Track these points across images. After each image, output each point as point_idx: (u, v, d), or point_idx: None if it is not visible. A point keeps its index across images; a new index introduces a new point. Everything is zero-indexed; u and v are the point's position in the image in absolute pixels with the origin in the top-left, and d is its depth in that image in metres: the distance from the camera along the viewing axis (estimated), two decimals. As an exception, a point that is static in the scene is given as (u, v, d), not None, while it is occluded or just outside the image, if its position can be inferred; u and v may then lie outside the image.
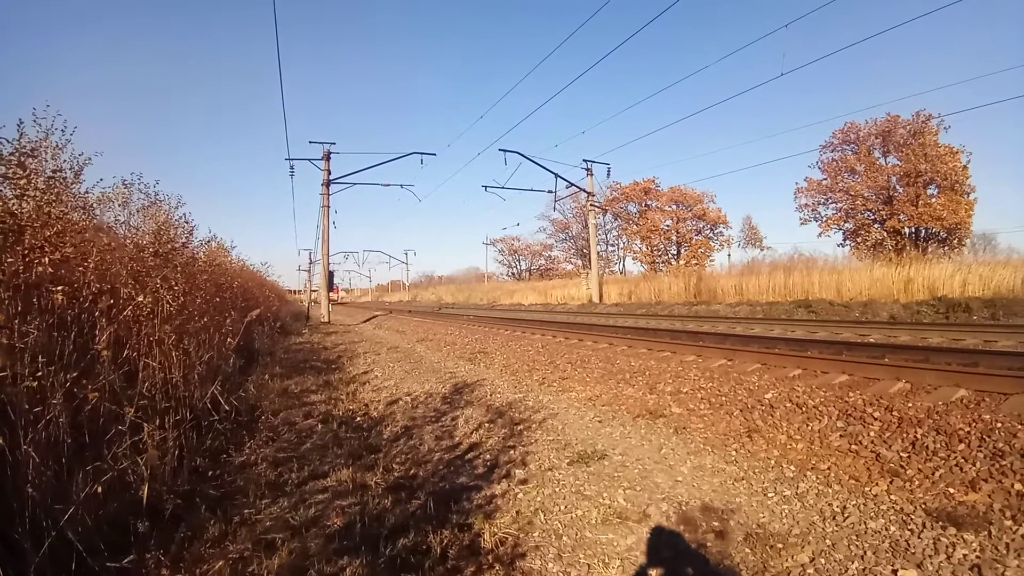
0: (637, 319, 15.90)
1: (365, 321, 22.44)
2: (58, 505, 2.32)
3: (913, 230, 32.20)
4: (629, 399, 5.43)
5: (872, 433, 3.67)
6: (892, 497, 2.88)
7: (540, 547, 2.63)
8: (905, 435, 3.53)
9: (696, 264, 40.51)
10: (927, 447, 3.32)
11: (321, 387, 7.00)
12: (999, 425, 3.36)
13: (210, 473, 3.74)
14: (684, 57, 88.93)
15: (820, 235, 36.79)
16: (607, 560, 2.49)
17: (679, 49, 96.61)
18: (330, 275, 23.69)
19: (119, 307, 3.75)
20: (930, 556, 2.30)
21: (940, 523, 2.54)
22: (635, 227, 46.55)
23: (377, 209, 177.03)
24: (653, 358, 7.10)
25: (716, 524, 2.76)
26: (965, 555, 2.28)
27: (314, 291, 36.05)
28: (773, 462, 3.55)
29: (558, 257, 59.97)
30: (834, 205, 35.83)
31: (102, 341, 3.22)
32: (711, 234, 45.84)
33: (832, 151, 35.80)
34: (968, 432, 3.37)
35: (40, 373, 2.58)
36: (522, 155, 22.68)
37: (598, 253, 28.45)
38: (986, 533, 2.42)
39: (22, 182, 3.27)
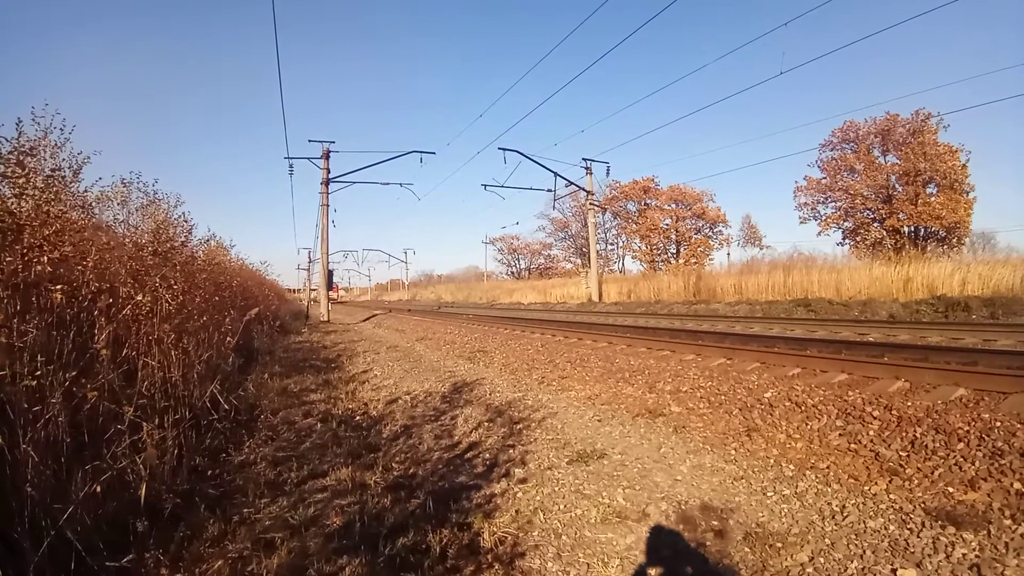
0: (636, 318, 15.91)
1: (364, 320, 22.44)
2: (57, 504, 2.32)
3: (912, 229, 32.22)
4: (628, 398, 5.43)
5: (871, 432, 3.67)
6: (891, 496, 2.88)
7: (539, 546, 2.63)
8: (904, 434, 3.53)
9: (695, 263, 40.50)
10: (926, 446, 3.32)
11: (320, 386, 7.00)
12: (998, 424, 3.36)
13: (209, 472, 3.74)
14: (683, 56, 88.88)
15: (819, 234, 36.88)
16: (606, 559, 2.50)
17: (678, 48, 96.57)
18: (329, 274, 23.69)
19: (118, 306, 3.74)
20: (929, 555, 2.30)
21: (939, 522, 2.54)
22: (634, 226, 46.55)
23: (376, 208, 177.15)
24: (652, 357, 7.10)
25: (715, 523, 2.77)
26: (964, 554, 2.28)
27: (313, 290, 36.04)
28: (772, 461, 3.55)
29: (557, 256, 60.07)
30: (833, 204, 35.87)
31: (101, 340, 3.22)
32: (710, 233, 45.89)
33: (831, 150, 35.85)
34: (967, 431, 3.37)
35: (39, 372, 2.58)
36: (521, 154, 22.70)
37: (597, 252, 28.45)
38: (985, 532, 2.42)
39: (21, 181, 3.26)
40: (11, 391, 2.43)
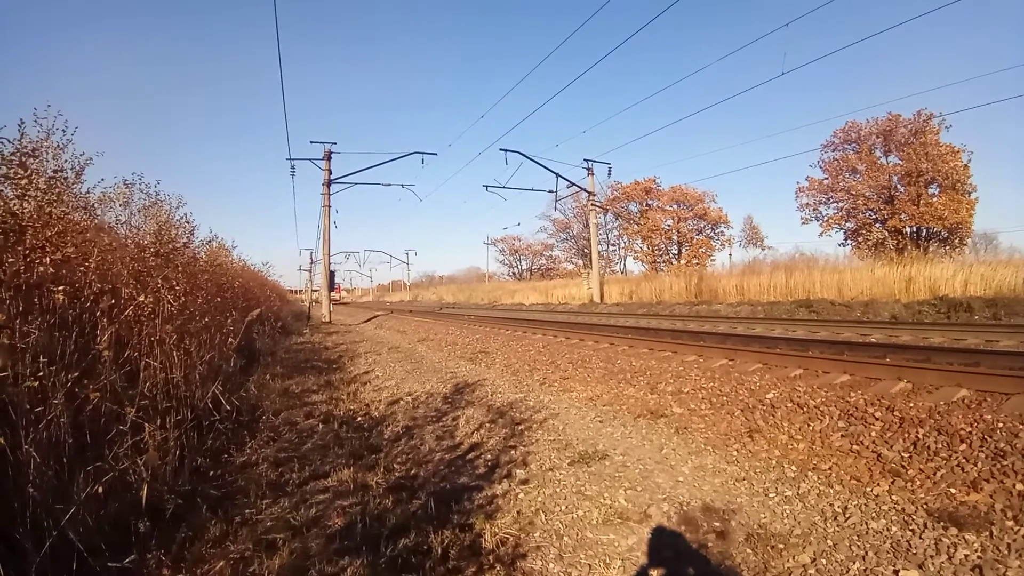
0: (638, 319, 15.89)
1: (366, 321, 22.45)
2: (59, 505, 2.33)
3: (914, 229, 32.15)
4: (630, 399, 5.42)
5: (874, 433, 3.66)
6: (893, 497, 2.88)
7: (541, 547, 2.63)
8: (907, 435, 3.52)
9: (697, 264, 40.53)
10: (929, 447, 3.31)
11: (322, 387, 7.00)
12: (1001, 425, 3.35)
13: (211, 473, 3.74)
14: (685, 56, 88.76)
15: (821, 235, 36.80)
16: (608, 560, 2.49)
17: (680, 48, 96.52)
18: (331, 275, 23.72)
19: (120, 307, 3.75)
20: (931, 556, 2.30)
21: (942, 523, 2.54)
22: (636, 227, 46.52)
23: (378, 209, 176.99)
24: (654, 358, 7.10)
25: (717, 524, 2.76)
26: (967, 555, 2.28)
27: (315, 291, 36.07)
28: (774, 462, 3.55)
29: (559, 257, 60.03)
30: (835, 204, 35.80)
31: (103, 341, 3.23)
32: (712, 234, 45.84)
33: (833, 150, 35.77)
34: (970, 432, 3.36)
35: (41, 373, 2.58)
36: (523, 155, 22.70)
37: (599, 253, 28.45)
38: (988, 533, 2.41)
39: (23, 182, 3.27)
40: (13, 392, 2.43)
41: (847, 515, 2.75)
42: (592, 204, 26.49)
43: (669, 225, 45.09)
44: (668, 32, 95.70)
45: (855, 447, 3.55)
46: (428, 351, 10.53)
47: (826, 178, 36.03)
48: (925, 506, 2.73)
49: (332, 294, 25.46)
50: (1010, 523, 2.46)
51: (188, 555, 2.58)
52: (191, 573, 2.43)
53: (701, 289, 21.71)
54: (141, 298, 3.87)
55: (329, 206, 21.65)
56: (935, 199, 30.83)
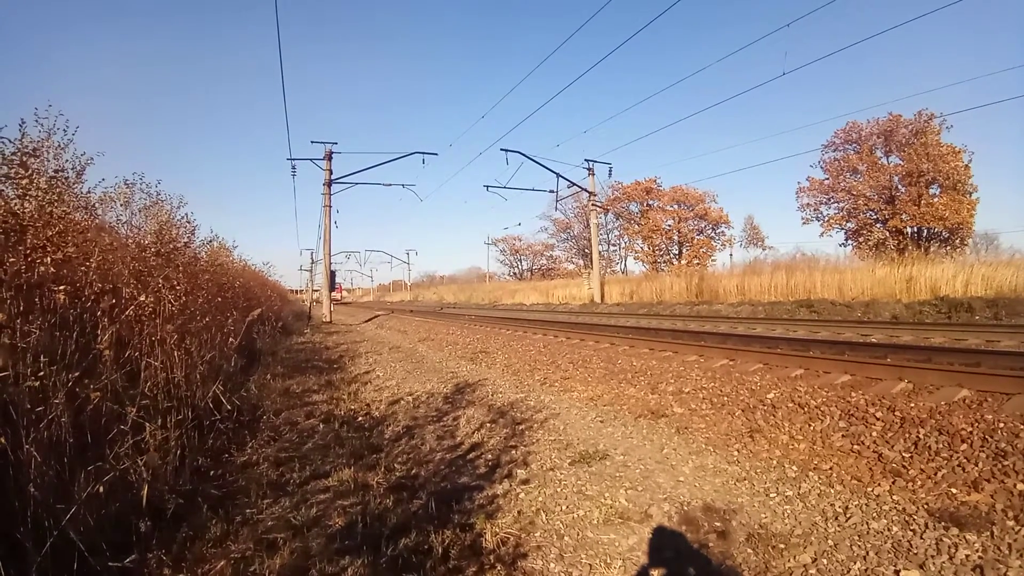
0: (639, 319, 15.89)
1: (367, 321, 22.46)
2: (60, 505, 2.33)
3: (915, 230, 32.11)
4: (631, 399, 5.42)
5: (874, 433, 3.66)
6: (894, 497, 2.88)
7: (542, 547, 2.63)
8: (907, 435, 3.52)
9: (698, 264, 40.50)
10: (929, 447, 3.31)
11: (323, 387, 7.01)
12: (1001, 425, 3.35)
13: (212, 473, 3.74)
14: (686, 56, 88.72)
15: (822, 235, 36.74)
16: (609, 560, 2.49)
17: (680, 48, 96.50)
18: (332, 275, 23.72)
19: (121, 307, 3.75)
20: (932, 557, 2.30)
21: (942, 523, 2.54)
22: (637, 227, 46.50)
23: (379, 209, 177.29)
24: (655, 358, 7.09)
25: (718, 524, 2.76)
26: (967, 555, 2.27)
27: (316, 291, 36.08)
28: (775, 462, 3.55)
29: (560, 257, 60.00)
30: (836, 205, 35.75)
31: (104, 341, 3.23)
32: (713, 234, 45.79)
33: (834, 150, 35.72)
34: (970, 432, 3.36)
35: (42, 373, 2.58)
36: (524, 155, 22.70)
37: (600, 253, 28.45)
38: (988, 533, 2.41)
39: (24, 182, 3.27)
40: (14, 392, 2.43)
41: (848, 515, 2.75)
42: (593, 204, 26.48)
43: (670, 225, 45.06)
44: (669, 32, 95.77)
45: (856, 447, 3.55)
46: (429, 351, 10.53)
47: (827, 178, 36.00)
48: (926, 506, 2.73)
49: (333, 294, 25.46)
50: (1011, 523, 2.46)
51: (189, 555, 2.59)
52: (192, 573, 2.43)
53: (702, 289, 21.69)
54: (142, 298, 3.87)
55: (330, 206, 21.66)
56: (936, 199, 30.79)
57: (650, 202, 46.61)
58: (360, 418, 5.31)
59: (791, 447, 3.76)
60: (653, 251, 45.78)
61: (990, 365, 4.94)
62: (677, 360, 6.79)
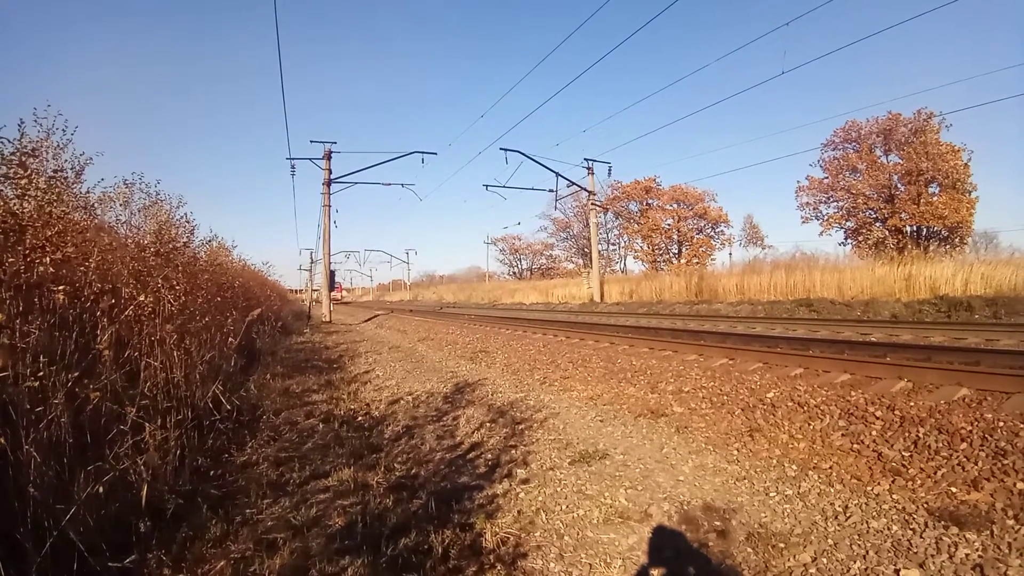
0: (638, 318, 15.89)
1: (366, 320, 22.45)
2: (60, 505, 2.32)
3: (915, 229, 32.14)
4: (631, 398, 5.42)
5: (874, 432, 3.66)
6: (894, 496, 2.88)
7: (542, 547, 2.63)
8: (907, 434, 3.52)
9: (697, 263, 40.49)
10: (929, 446, 3.31)
11: (323, 387, 7.01)
12: (1001, 424, 3.35)
13: (212, 473, 3.74)
14: (685, 56, 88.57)
15: (821, 234, 36.77)
16: (609, 560, 2.49)
17: (680, 47, 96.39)
18: (331, 274, 23.70)
19: (120, 307, 3.75)
20: (932, 556, 2.30)
21: (942, 522, 2.54)
22: (636, 226, 46.49)
23: (378, 208, 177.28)
24: (655, 357, 7.09)
25: (718, 523, 2.76)
26: (967, 554, 2.27)
27: (315, 290, 36.06)
28: (775, 461, 3.55)
29: (559, 256, 60.00)
30: (835, 204, 35.77)
31: (103, 341, 3.22)
32: (712, 233, 45.79)
33: (833, 149, 35.75)
34: (970, 431, 3.36)
35: (42, 373, 2.58)
36: (523, 154, 22.68)
37: (599, 252, 28.45)
38: (988, 532, 2.41)
39: (23, 182, 3.26)
40: (14, 392, 2.43)
41: (848, 514, 2.75)
42: (592, 203, 26.47)
43: (669, 224, 45.06)
44: (668, 32, 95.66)
45: (856, 446, 3.55)
46: (428, 350, 10.53)
47: (826, 177, 36.02)
48: (926, 505, 2.74)
49: (333, 293, 25.45)
50: (1011, 522, 2.46)
51: (189, 555, 2.58)
52: (192, 573, 2.43)
53: (701, 288, 21.70)
54: (141, 298, 3.87)
55: (329, 205, 21.64)
56: (935, 198, 30.81)
57: (649, 201, 46.62)
58: (360, 418, 5.31)
59: (791, 446, 3.76)
60: (652, 250, 45.79)
61: (990, 364, 4.94)
62: (677, 359, 6.79)
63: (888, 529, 2.56)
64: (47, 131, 3.55)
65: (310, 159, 21.85)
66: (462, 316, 20.03)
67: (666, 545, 2.60)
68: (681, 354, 7.09)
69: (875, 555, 2.36)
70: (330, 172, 21.60)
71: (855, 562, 2.32)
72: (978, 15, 50.85)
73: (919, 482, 2.98)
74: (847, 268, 17.76)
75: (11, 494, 2.23)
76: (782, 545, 2.52)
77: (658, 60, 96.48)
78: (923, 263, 15.38)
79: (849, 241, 34.90)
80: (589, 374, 6.67)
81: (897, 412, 3.85)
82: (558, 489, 3.29)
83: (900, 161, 32.24)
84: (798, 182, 37.55)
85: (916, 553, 2.33)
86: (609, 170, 25.86)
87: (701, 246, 44.55)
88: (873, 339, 8.06)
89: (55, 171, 3.67)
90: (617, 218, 48.74)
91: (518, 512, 3.00)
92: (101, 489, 2.48)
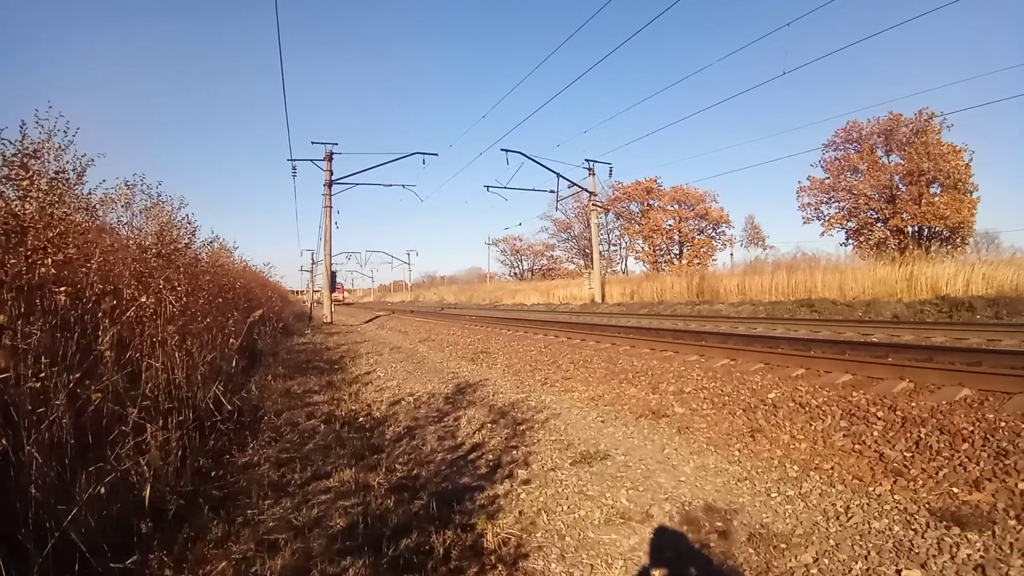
0: (640, 319, 15.89)
1: (367, 321, 22.46)
2: (61, 506, 2.33)
3: (916, 229, 32.09)
4: (632, 399, 5.42)
5: (876, 433, 3.65)
6: (896, 497, 2.87)
7: (543, 547, 2.62)
8: (909, 435, 3.51)
9: (699, 264, 40.49)
10: (931, 447, 3.31)
11: (324, 387, 7.01)
12: (1003, 424, 3.35)
13: (213, 474, 3.75)
14: (686, 56, 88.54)
15: (823, 234, 36.73)
16: (610, 560, 2.49)
17: (681, 48, 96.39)
18: (332, 275, 23.73)
19: (122, 308, 3.75)
20: (934, 556, 2.29)
21: (944, 523, 2.53)
22: (637, 227, 46.48)
23: (379, 209, 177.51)
24: (656, 358, 7.09)
25: (719, 524, 2.76)
26: (969, 555, 2.27)
27: (316, 291, 36.06)
28: (776, 462, 3.54)
29: (560, 257, 59.99)
30: (837, 204, 35.73)
31: (105, 342, 3.23)
32: (713, 233, 45.77)
33: (835, 150, 35.71)
34: (972, 431, 3.35)
35: (43, 374, 2.58)
36: (524, 155, 22.73)
37: (600, 253, 28.45)
38: (990, 533, 2.41)
39: (25, 183, 3.27)
40: (15, 393, 2.44)
41: (849, 515, 2.75)
42: (593, 204, 26.49)
43: (670, 225, 45.04)
44: (669, 32, 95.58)
45: (857, 447, 3.55)
46: (430, 351, 10.53)
47: (827, 177, 35.98)
48: (927, 505, 2.73)
49: (335, 294, 25.47)
50: (1012, 522, 2.46)
51: (190, 556, 2.59)
52: (193, 574, 2.44)
53: (703, 289, 21.70)
54: (143, 299, 3.87)
55: (330, 207, 21.67)
56: (937, 198, 30.77)
57: (650, 202, 46.60)
58: (361, 419, 5.31)
59: (792, 447, 3.75)
60: (654, 251, 45.77)
61: (991, 364, 4.93)
62: (678, 360, 6.79)
63: (890, 529, 2.56)
64: (49, 132, 3.56)
65: (311, 160, 21.93)
66: (463, 317, 20.03)
67: (667, 546, 2.60)
68: (682, 355, 7.08)
69: (877, 555, 2.35)
70: (331, 173, 21.63)
71: (857, 563, 2.32)
72: (978, 15, 50.83)
73: (921, 482, 2.97)
74: (848, 268, 17.77)
75: (13, 495, 2.23)
76: (784, 546, 2.52)
77: (659, 61, 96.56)
78: (924, 263, 15.37)
79: (850, 241, 34.90)
80: (590, 375, 6.67)
81: (899, 412, 3.85)
82: (559, 490, 3.29)
83: (901, 161, 32.21)
84: (799, 182, 37.56)
85: (918, 553, 2.33)
86: (610, 171, 25.94)
87: (702, 247, 44.53)
88: (875, 339, 8.05)
89: (57, 172, 3.68)
90: (618, 219, 48.75)
91: (519, 513, 3.00)
92: (103, 490, 2.49)
